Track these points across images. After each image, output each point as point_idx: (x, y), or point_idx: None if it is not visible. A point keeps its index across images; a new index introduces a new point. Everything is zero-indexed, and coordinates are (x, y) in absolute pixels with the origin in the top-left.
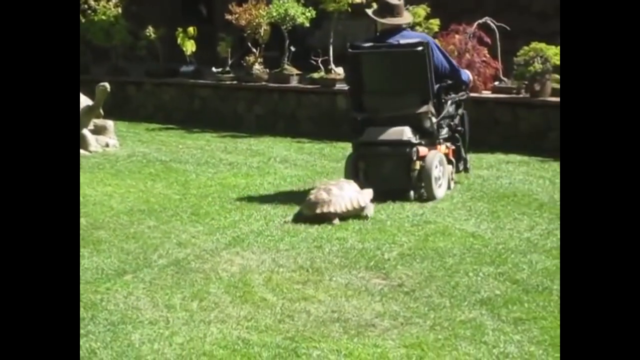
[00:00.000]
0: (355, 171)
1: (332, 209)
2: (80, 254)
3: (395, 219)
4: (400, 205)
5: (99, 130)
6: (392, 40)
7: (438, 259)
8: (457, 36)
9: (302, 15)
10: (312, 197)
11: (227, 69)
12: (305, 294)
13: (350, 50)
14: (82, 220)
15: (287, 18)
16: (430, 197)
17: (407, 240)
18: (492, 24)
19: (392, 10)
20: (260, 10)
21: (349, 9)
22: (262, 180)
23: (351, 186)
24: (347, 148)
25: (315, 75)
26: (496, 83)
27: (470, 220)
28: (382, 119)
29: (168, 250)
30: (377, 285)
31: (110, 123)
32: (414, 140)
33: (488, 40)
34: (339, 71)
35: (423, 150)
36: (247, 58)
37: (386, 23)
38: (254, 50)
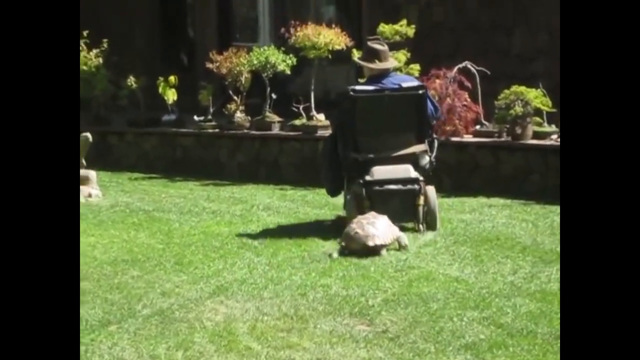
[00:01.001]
0: (361, 209)
1: (382, 242)
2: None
3: (379, 265)
4: (384, 250)
5: (81, 181)
6: (387, 83)
7: (422, 304)
8: (437, 81)
9: (283, 63)
10: (359, 231)
11: (209, 117)
12: (289, 341)
13: (352, 93)
14: None
15: (268, 65)
16: (434, 228)
17: (391, 286)
18: (472, 68)
19: (379, 55)
20: (241, 58)
21: (329, 56)
22: (245, 228)
23: (386, 219)
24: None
25: (297, 122)
26: (477, 127)
27: (454, 265)
28: (384, 159)
29: (152, 300)
30: (362, 331)
31: (92, 173)
32: (420, 176)
33: (468, 84)
34: (321, 118)
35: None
36: (228, 106)
37: (375, 68)
38: (235, 98)
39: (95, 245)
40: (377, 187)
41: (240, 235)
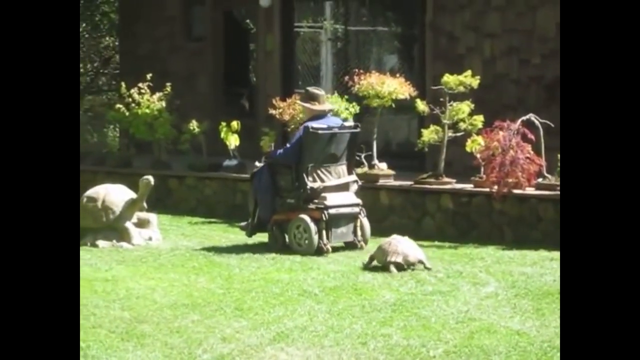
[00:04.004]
0: (320, 234)
1: (421, 257)
2: (125, 347)
3: (440, 316)
4: (445, 301)
5: (142, 224)
6: (329, 122)
7: (484, 356)
8: (501, 133)
9: (346, 111)
10: (398, 249)
11: None
12: None
13: (311, 130)
14: (125, 314)
15: (331, 113)
16: (366, 244)
17: (452, 337)
18: (536, 121)
19: (318, 99)
20: None
21: (393, 105)
22: (305, 276)
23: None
24: None
25: (359, 170)
26: (540, 180)
27: (515, 318)
28: (330, 187)
29: (212, 345)
30: None
31: (153, 216)
32: (360, 201)
33: (532, 136)
34: (383, 167)
35: None
36: None
37: (316, 109)
38: None
39: (155, 288)
40: (333, 211)
41: (300, 282)
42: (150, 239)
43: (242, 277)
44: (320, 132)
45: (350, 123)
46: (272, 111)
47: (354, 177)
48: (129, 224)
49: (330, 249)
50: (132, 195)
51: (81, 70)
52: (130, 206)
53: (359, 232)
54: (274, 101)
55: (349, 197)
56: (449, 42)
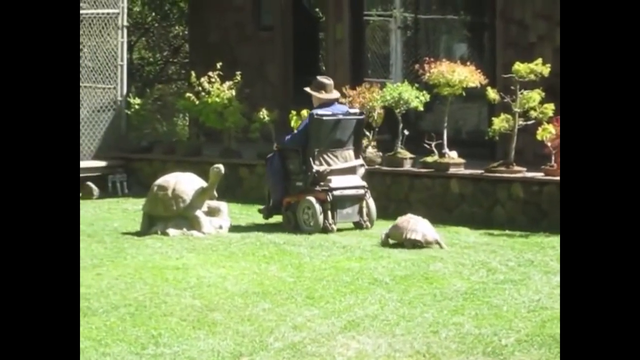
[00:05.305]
0: (325, 214)
1: (437, 237)
2: (196, 335)
3: (512, 304)
4: (516, 290)
5: (212, 212)
6: (335, 110)
7: (556, 345)
8: None
9: (416, 99)
10: (417, 227)
11: None
12: None
13: (317, 116)
14: (196, 302)
15: (401, 102)
16: (372, 225)
17: (524, 326)
18: None
19: (326, 87)
20: (374, 94)
21: (463, 93)
22: (376, 264)
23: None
24: (460, 232)
25: (429, 159)
26: None
27: None
28: (336, 170)
29: (284, 334)
30: None
31: (224, 205)
32: (365, 184)
33: None
34: (453, 155)
35: None
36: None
37: (323, 97)
38: (367, 133)
39: (225, 276)
40: (338, 193)
41: (371, 271)
42: (220, 227)
43: (313, 266)
44: (324, 118)
45: (356, 110)
46: (342, 100)
47: (360, 161)
48: (199, 213)
49: (335, 229)
50: (202, 183)
51: (150, 59)
52: (201, 195)
53: (364, 213)
54: (343, 90)
55: (355, 179)
56: (519, 31)
